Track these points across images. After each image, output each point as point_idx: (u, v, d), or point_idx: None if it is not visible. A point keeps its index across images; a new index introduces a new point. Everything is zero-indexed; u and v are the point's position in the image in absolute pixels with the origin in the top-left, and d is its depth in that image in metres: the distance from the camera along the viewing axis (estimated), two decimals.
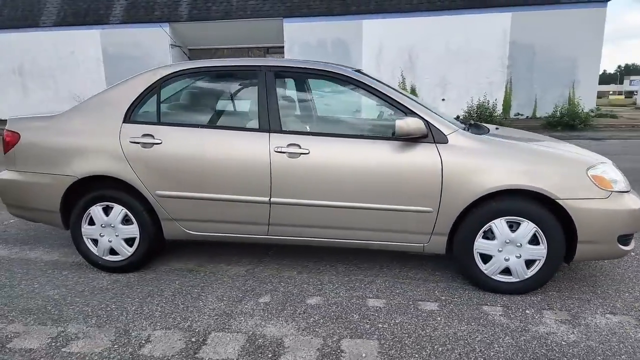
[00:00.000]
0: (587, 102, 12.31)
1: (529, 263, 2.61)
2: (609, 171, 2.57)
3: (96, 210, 2.95)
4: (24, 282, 2.91)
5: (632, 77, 42.39)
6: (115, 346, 2.18)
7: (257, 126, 2.79)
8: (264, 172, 2.72)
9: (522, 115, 13.12)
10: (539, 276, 2.61)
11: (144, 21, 15.11)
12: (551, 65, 12.51)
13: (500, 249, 2.60)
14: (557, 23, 12.34)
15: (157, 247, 3.05)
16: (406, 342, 2.19)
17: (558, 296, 2.65)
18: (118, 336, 2.26)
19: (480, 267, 2.65)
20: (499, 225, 2.57)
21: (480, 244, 2.62)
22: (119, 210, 2.92)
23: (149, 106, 2.94)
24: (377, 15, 13.35)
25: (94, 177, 2.91)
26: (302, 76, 2.96)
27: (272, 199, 2.74)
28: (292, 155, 2.69)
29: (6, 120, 3.17)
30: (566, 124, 11.03)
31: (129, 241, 2.98)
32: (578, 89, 12.41)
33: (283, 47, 14.56)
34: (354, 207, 2.69)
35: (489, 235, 2.61)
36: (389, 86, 2.87)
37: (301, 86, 3.29)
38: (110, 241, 2.98)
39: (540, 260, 2.58)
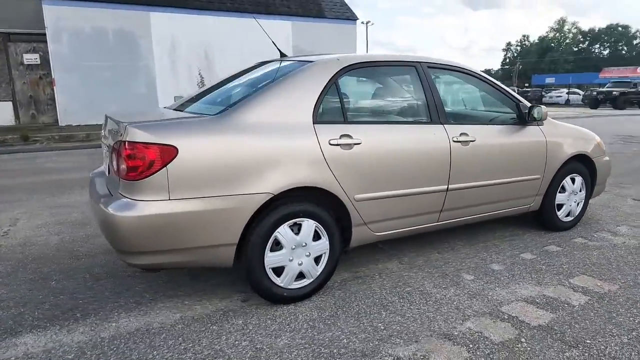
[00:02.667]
0: None
1: (577, 205, 3.80)
2: (601, 141, 4.01)
3: (285, 231, 2.41)
4: (210, 345, 2.12)
5: None
6: (467, 347, 2.11)
7: (428, 119, 2.93)
8: (446, 161, 2.91)
9: None
10: (581, 213, 3.84)
11: None
12: None
13: (568, 199, 3.69)
14: (325, 34, 14.67)
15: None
16: (596, 270, 2.98)
17: (590, 225, 3.95)
18: (441, 338, 2.16)
19: (558, 215, 3.67)
20: (569, 181, 3.65)
21: (559, 197, 3.64)
22: (310, 225, 2.49)
23: (327, 102, 2.59)
24: (166, 9, 12.51)
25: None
26: (445, 72, 3.20)
27: (449, 186, 2.97)
28: (464, 143, 2.99)
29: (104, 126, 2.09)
30: None
31: (316, 260, 2.57)
32: None
33: (34, 34, 11.76)
34: (502, 183, 3.23)
35: (561, 190, 3.65)
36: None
37: (443, 81, 3.45)
38: (300, 264, 2.49)
39: (582, 201, 3.81)
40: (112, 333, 2.26)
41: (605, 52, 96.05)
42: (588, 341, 2.16)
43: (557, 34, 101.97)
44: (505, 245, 3.47)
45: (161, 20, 12.54)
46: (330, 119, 2.57)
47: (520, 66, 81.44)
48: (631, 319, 2.36)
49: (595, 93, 26.95)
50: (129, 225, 2.08)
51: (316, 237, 2.54)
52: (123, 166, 2.12)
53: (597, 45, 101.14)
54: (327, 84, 2.57)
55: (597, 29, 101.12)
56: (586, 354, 2.05)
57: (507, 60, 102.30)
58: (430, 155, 2.86)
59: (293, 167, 2.37)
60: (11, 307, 2.53)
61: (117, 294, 2.69)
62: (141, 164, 2.08)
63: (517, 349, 2.10)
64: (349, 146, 2.55)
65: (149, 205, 2.09)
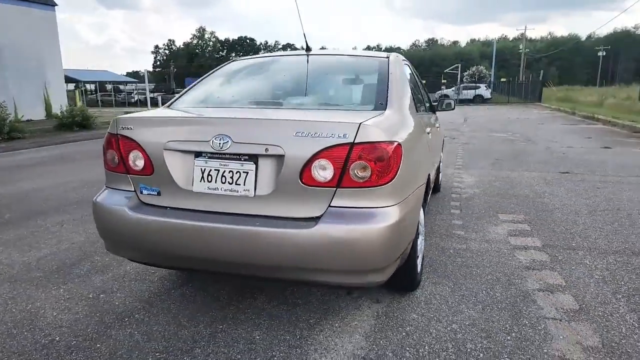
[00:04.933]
0: (58, 101, 12.65)
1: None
2: None
3: (422, 218, 2.48)
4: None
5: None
6: (549, 270, 2.89)
7: (426, 108, 3.44)
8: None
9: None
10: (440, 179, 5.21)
11: None
12: (23, 65, 11.65)
13: (441, 169, 4.94)
14: (16, 19, 11.50)
15: None
16: (497, 208, 4.27)
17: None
18: (531, 270, 2.87)
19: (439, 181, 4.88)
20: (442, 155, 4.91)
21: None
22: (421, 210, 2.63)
23: None
24: None
25: None
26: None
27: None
28: (432, 129, 3.65)
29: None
30: (79, 123, 11.24)
31: None
32: (50, 89, 12.44)
33: None
34: (439, 161, 4.09)
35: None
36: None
37: None
38: (422, 248, 2.60)
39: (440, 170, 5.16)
40: None
41: None
42: (574, 244, 3.33)
43: (200, 41, 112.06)
44: (433, 208, 4.38)
45: None
46: (413, 110, 2.73)
47: (175, 69, 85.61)
48: (567, 227, 3.71)
49: None
50: (386, 236, 1.76)
51: None
52: (365, 173, 1.75)
53: (233, 54, 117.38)
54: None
55: (231, 39, 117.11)
56: (594, 250, 3.18)
57: (159, 62, 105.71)
58: (435, 138, 3.41)
59: (427, 156, 2.47)
60: None
61: (231, 344, 1.99)
62: (386, 166, 1.77)
63: (563, 259, 3.03)
64: (429, 134, 2.80)
65: (396, 210, 1.82)
